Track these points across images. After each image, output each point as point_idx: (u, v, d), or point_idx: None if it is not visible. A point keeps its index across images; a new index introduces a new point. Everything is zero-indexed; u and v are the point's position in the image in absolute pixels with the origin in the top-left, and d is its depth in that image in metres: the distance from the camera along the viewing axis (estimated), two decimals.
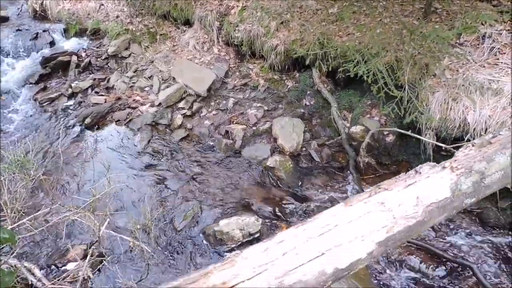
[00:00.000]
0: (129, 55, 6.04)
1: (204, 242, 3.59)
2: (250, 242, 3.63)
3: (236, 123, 4.83)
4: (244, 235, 3.60)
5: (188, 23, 6.06)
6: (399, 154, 4.23)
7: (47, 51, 6.28)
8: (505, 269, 3.28)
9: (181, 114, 5.02)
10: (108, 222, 3.24)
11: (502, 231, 3.54)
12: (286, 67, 5.20)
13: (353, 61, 3.64)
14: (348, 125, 4.49)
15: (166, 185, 4.17)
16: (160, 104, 5.14)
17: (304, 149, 4.47)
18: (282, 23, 5.16)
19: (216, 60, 5.58)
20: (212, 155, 4.56)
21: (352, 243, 0.91)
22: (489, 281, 3.14)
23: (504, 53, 3.88)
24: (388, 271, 3.41)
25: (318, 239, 0.90)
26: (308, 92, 4.97)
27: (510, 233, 3.52)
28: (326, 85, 4.89)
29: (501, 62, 3.82)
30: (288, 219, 3.77)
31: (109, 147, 4.68)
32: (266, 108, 4.94)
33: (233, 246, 3.56)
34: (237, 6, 5.57)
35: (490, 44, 3.96)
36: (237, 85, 5.32)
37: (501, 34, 3.94)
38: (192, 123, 4.96)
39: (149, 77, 5.59)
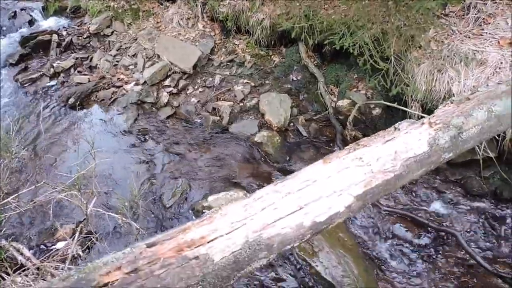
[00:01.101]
0: (112, 33, 5.89)
1: (193, 218, 3.61)
2: None
3: (223, 100, 4.79)
4: None
5: None
6: (385, 126, 4.24)
7: (26, 30, 6.08)
8: (487, 236, 3.38)
9: (167, 92, 4.95)
10: (96, 200, 3.22)
11: (485, 199, 3.62)
12: (273, 42, 5.13)
13: (338, 34, 3.61)
14: (335, 99, 4.49)
15: (154, 163, 4.15)
16: (145, 82, 5.05)
17: (291, 124, 4.47)
18: None
19: (201, 37, 5.48)
20: (199, 132, 4.53)
21: (330, 197, 0.92)
22: (472, 248, 3.24)
23: (489, 23, 3.89)
24: (375, 241, 3.48)
25: (296, 194, 0.91)
26: (295, 67, 4.93)
27: (492, 201, 3.60)
28: (313, 60, 4.85)
29: (486, 33, 3.82)
30: None
31: (94, 127, 4.62)
32: (253, 84, 4.89)
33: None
34: None
35: (475, 14, 3.95)
36: (223, 61, 5.25)
37: (486, 4, 3.93)
38: (179, 101, 4.90)
39: (133, 55, 5.47)
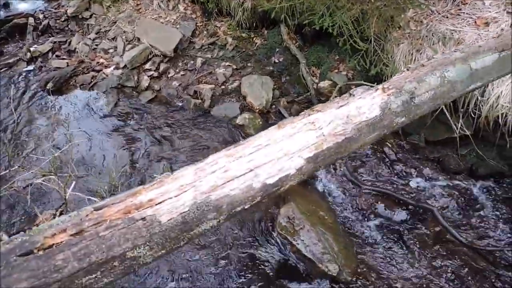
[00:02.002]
0: (91, 16, 5.75)
1: None
2: None
3: (204, 83, 4.75)
4: None
5: None
6: None
7: (1, 14, 5.89)
8: (463, 211, 3.47)
9: (148, 76, 4.89)
10: (75, 184, 3.19)
11: (461, 176, 3.70)
12: (254, 24, 5.08)
13: (318, 14, 3.59)
14: (316, 81, 4.49)
15: (135, 147, 4.12)
16: (125, 66, 4.97)
17: (273, 106, 4.47)
18: None
19: (182, 19, 5.39)
20: (181, 115, 4.50)
21: (281, 160, 0.93)
22: (448, 223, 3.32)
23: (467, 4, 3.91)
24: (355, 218, 3.54)
25: (248, 157, 0.92)
26: (276, 50, 4.91)
27: (468, 177, 3.69)
28: (294, 42, 4.83)
29: (463, 12, 3.84)
30: None
31: (74, 112, 4.55)
32: (234, 66, 4.86)
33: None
34: None
35: None
36: (205, 44, 5.19)
37: None
38: (160, 84, 4.84)
39: (113, 39, 5.36)
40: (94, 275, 0.73)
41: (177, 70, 4.97)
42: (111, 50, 5.25)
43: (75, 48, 5.33)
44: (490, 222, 3.38)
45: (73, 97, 4.77)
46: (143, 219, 0.79)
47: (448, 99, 1.24)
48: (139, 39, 5.14)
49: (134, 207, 0.80)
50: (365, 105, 1.07)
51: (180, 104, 4.63)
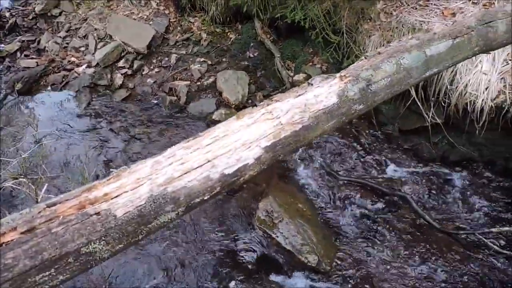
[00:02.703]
0: (60, 13, 5.59)
1: None
2: None
3: (180, 80, 4.71)
4: None
5: None
6: None
7: None
8: (436, 197, 3.57)
9: (122, 74, 4.80)
10: (47, 186, 3.11)
11: (434, 163, 3.79)
12: (228, 19, 5.06)
13: (290, 7, 3.60)
14: (292, 74, 4.51)
15: (110, 146, 4.05)
16: (97, 64, 4.86)
17: (249, 101, 4.47)
18: None
19: (155, 15, 5.31)
20: (156, 113, 4.45)
21: (239, 149, 0.93)
22: (422, 209, 3.41)
23: None
24: (333, 209, 3.59)
25: (205, 148, 0.92)
26: (251, 44, 4.90)
27: (441, 164, 3.78)
28: (269, 36, 4.83)
29: (431, 4, 3.93)
30: None
31: (45, 112, 4.42)
32: (209, 62, 4.83)
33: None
34: None
35: None
36: (179, 40, 5.13)
37: None
38: (134, 82, 4.77)
39: (84, 36, 5.23)
40: (48, 273, 0.72)
41: (152, 67, 4.90)
42: (82, 48, 5.12)
43: (45, 47, 5.17)
44: (462, 206, 3.49)
45: (43, 98, 4.64)
46: (98, 213, 0.78)
47: (406, 86, 1.27)
48: (111, 37, 5.03)
49: (89, 202, 0.79)
50: (322, 94, 1.08)
51: (155, 101, 4.57)
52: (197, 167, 0.88)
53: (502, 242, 3.14)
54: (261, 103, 1.04)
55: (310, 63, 4.37)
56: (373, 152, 3.94)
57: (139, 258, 3.12)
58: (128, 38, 4.95)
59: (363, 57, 1.24)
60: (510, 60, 3.41)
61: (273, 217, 3.37)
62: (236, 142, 0.94)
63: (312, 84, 1.10)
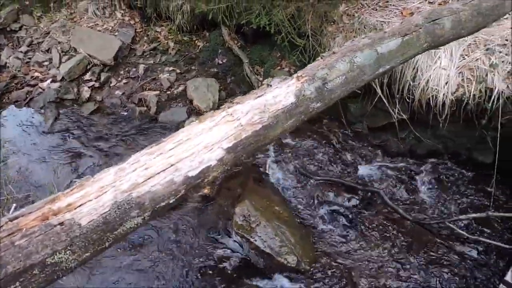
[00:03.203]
0: (20, 27, 5.43)
1: None
2: (175, 206, 3.66)
3: (149, 90, 4.67)
4: None
5: None
6: None
7: None
8: (406, 189, 3.69)
9: (89, 87, 4.71)
10: (15, 206, 3.01)
11: (402, 157, 3.92)
12: (195, 27, 5.07)
13: (255, 13, 3.66)
14: (261, 79, 4.56)
15: (80, 162, 3.96)
16: (63, 78, 4.76)
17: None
18: None
19: (121, 26, 5.25)
20: (127, 125, 4.39)
21: (201, 152, 0.95)
22: (394, 202, 3.51)
23: None
24: (309, 209, 3.64)
25: (168, 153, 0.93)
26: (219, 51, 4.93)
27: (409, 158, 3.91)
28: (236, 42, 4.87)
29: (391, 4, 4.09)
30: None
31: (9, 131, 4.28)
32: (178, 71, 4.82)
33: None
34: None
35: None
36: (146, 50, 5.09)
37: None
38: (102, 95, 4.69)
39: (47, 50, 5.10)
40: (13, 286, 0.71)
41: (119, 79, 4.84)
42: (46, 63, 4.99)
43: (6, 63, 5.01)
44: (431, 197, 3.62)
45: (7, 115, 4.49)
46: (61, 223, 0.77)
47: (360, 82, 1.33)
48: (75, 49, 4.94)
49: (52, 213, 0.78)
50: (281, 94, 1.12)
51: (125, 113, 4.51)
52: (160, 172, 0.89)
53: (470, 228, 3.28)
54: (222, 106, 1.07)
55: (279, 67, 4.44)
56: (344, 151, 4.03)
57: (117, 270, 3.07)
58: (94, 50, 4.88)
59: (319, 58, 1.30)
60: (466, 55, 3.58)
61: (250, 221, 3.38)
62: (199, 145, 0.96)
63: (271, 86, 1.14)
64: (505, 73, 3.31)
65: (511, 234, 3.22)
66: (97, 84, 4.74)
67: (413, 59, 3.53)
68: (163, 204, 0.90)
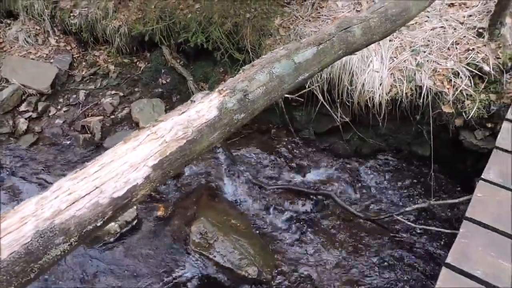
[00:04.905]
0: None
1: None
2: (130, 231, 3.55)
3: (92, 116, 4.53)
4: (121, 225, 3.49)
5: (11, 15, 5.33)
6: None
7: None
8: (356, 189, 3.85)
9: (25, 118, 4.48)
10: None
11: (349, 158, 4.09)
12: (135, 48, 5.01)
13: (191, 31, 3.71)
14: None
15: (22, 198, 3.72)
16: None
17: None
18: (120, 3, 4.92)
19: (56, 52, 5.07)
20: (71, 154, 4.21)
21: (126, 172, 0.96)
22: (346, 202, 3.65)
23: (323, 7, 4.40)
24: (266, 219, 3.69)
25: (93, 176, 0.93)
26: (162, 71, 4.90)
27: (355, 158, 4.10)
28: (179, 61, 4.88)
29: (322, 15, 4.32)
30: (163, 197, 3.77)
31: None
32: (121, 94, 4.73)
33: (111, 239, 3.44)
34: None
35: (311, 1, 4.44)
36: (86, 75, 4.95)
37: None
38: (41, 125, 4.47)
39: None
40: None
41: (59, 107, 4.65)
42: None
43: None
44: (379, 193, 3.80)
45: None
46: None
47: (282, 91, 1.41)
48: (7, 80, 4.69)
49: None
50: (204, 108, 1.16)
51: (68, 142, 4.33)
52: (85, 195, 0.89)
53: (418, 219, 3.49)
54: (147, 125, 1.09)
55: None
56: (294, 158, 4.14)
57: None
58: (28, 79, 4.66)
59: (241, 71, 1.36)
60: (395, 57, 3.86)
61: (208, 238, 3.37)
62: (123, 165, 0.96)
63: (194, 101, 1.18)
64: (430, 71, 3.61)
65: (453, 220, 3.46)
66: (34, 115, 4.52)
67: (347, 64, 3.76)
68: (90, 227, 0.89)
